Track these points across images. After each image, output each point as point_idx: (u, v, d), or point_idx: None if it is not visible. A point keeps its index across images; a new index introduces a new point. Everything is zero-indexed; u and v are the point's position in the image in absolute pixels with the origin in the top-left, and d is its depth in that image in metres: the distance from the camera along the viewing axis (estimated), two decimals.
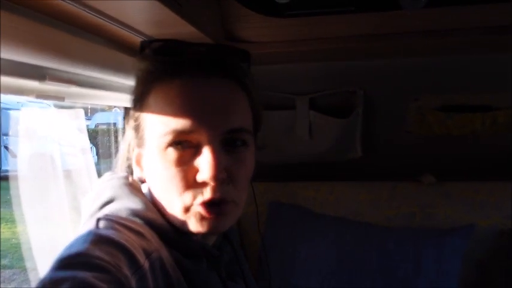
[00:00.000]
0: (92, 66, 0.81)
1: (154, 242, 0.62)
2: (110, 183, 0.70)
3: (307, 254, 1.49)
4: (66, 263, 0.50)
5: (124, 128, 0.74)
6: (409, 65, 1.47)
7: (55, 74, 0.73)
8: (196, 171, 0.62)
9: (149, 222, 0.64)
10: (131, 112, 0.71)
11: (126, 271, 0.52)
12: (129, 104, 1.06)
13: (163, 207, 0.67)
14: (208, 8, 1.04)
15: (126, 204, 0.65)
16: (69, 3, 0.65)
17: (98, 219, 0.61)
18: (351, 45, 1.19)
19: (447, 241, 1.43)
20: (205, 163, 0.61)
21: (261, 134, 0.74)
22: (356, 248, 1.47)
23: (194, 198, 0.62)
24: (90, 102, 0.94)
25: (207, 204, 0.62)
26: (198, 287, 0.65)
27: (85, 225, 0.63)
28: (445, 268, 1.41)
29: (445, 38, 1.17)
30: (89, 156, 1.89)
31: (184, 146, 0.62)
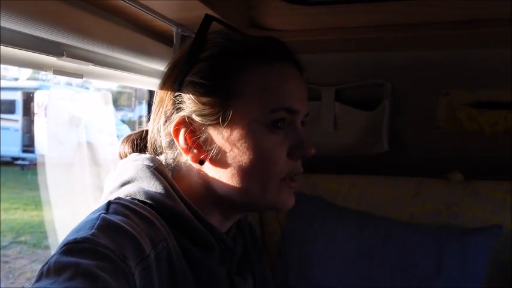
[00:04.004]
0: (110, 46, 0.83)
1: (163, 230, 0.61)
2: (134, 164, 0.68)
3: (327, 246, 1.48)
4: (71, 248, 0.50)
5: (151, 110, 0.72)
6: (439, 58, 1.42)
7: (73, 51, 0.77)
8: (286, 148, 0.66)
9: (164, 208, 0.63)
10: (197, 87, 0.65)
11: (131, 261, 0.52)
12: (147, 86, 1.08)
13: (230, 188, 0.66)
14: None
15: (144, 187, 0.64)
16: None
17: (109, 203, 0.61)
18: (375, 35, 1.17)
19: (472, 241, 1.37)
20: (304, 140, 0.66)
21: None
22: (377, 243, 1.44)
23: (287, 173, 0.66)
24: (107, 82, 0.97)
25: (293, 179, 0.68)
26: (203, 279, 0.64)
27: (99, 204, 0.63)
28: (468, 269, 1.36)
29: (475, 29, 1.13)
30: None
31: (281, 124, 0.65)
